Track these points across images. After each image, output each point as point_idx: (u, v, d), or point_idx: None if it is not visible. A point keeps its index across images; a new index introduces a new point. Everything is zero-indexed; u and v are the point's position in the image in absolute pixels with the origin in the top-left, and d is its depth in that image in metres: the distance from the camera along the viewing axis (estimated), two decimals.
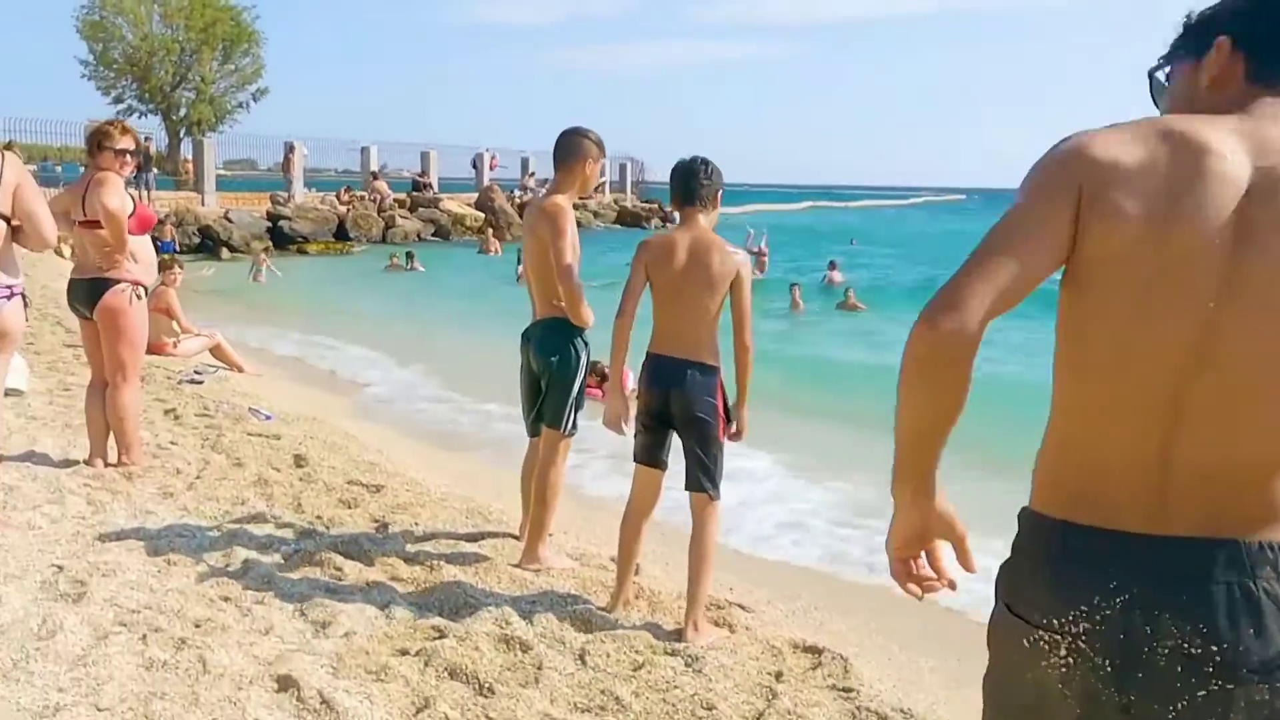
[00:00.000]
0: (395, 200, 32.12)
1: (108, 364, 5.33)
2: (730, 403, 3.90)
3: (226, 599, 3.83)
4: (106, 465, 5.44)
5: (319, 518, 4.87)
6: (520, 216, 34.82)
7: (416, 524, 4.85)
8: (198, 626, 3.53)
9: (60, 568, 3.96)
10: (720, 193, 3.99)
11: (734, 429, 3.93)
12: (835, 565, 5.49)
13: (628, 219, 42.15)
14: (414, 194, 33.74)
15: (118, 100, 33.10)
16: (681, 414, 3.85)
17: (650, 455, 3.99)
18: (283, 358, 10.82)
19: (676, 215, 4.00)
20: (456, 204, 34.14)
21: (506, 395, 8.84)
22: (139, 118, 34.64)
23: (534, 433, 4.53)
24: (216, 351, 9.28)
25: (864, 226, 48.48)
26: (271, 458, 5.87)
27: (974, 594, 2.16)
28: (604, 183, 42.92)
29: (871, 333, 15.09)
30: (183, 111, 33.90)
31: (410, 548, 4.52)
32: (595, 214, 39.35)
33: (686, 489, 3.91)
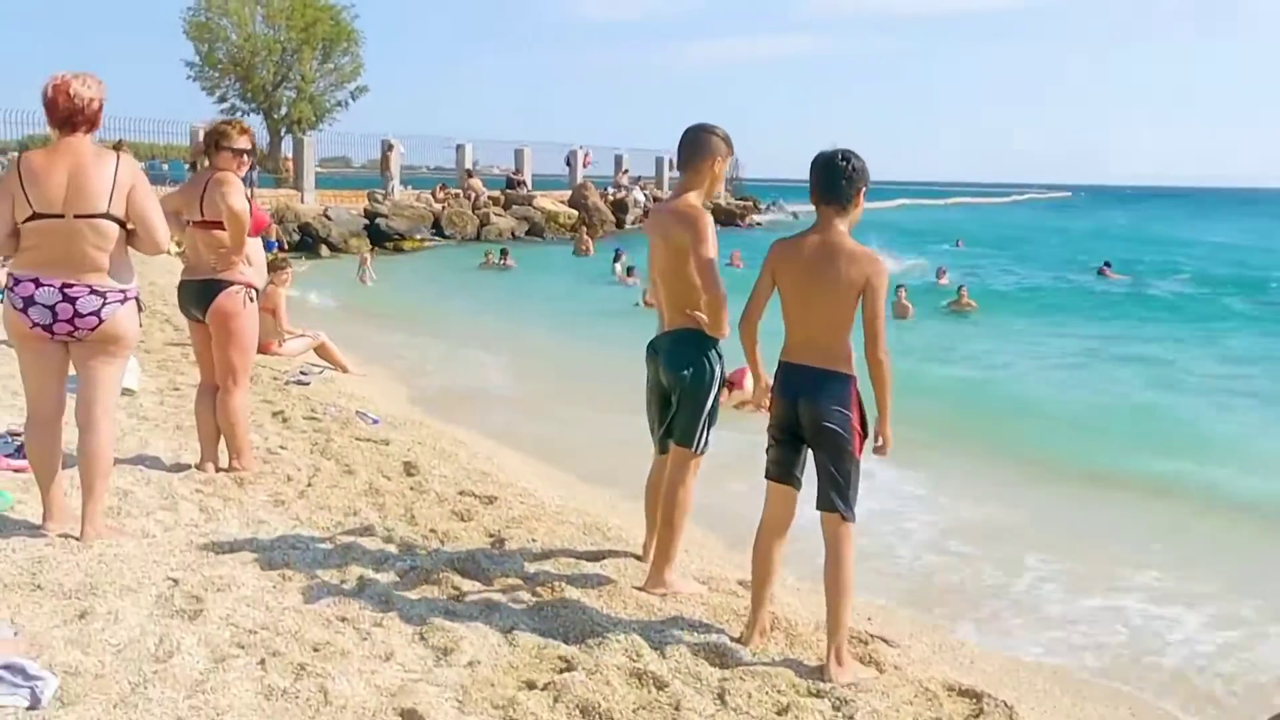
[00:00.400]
0: (490, 198, 32.33)
1: (218, 367, 5.27)
2: (869, 416, 3.63)
3: (344, 619, 3.68)
4: (218, 470, 5.38)
5: (433, 531, 4.71)
6: (613, 214, 35.06)
7: (533, 540, 4.66)
8: (316, 650, 3.38)
9: (175, 581, 3.87)
10: (864, 190, 3.69)
11: (879, 443, 3.64)
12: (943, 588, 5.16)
13: (722, 217, 41.78)
14: (508, 191, 33.93)
15: (221, 100, 34.16)
16: (811, 425, 3.58)
17: (782, 471, 3.73)
18: (386, 357, 10.80)
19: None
20: (550, 201, 34.24)
21: (610, 402, 8.76)
22: (241, 116, 35.56)
23: (662, 450, 4.29)
24: (321, 351, 9.29)
25: (967, 226, 47.18)
26: (381, 465, 5.76)
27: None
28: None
29: (983, 340, 14.53)
30: (283, 110, 34.72)
31: (529, 566, 4.33)
32: None
33: (818, 508, 3.64)
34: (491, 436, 7.25)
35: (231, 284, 5.13)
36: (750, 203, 45.77)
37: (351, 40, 35.58)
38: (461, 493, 5.33)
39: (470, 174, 33.07)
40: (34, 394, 4.28)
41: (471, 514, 4.99)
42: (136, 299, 4.26)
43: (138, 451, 5.66)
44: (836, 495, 3.58)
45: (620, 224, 35.04)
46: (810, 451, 3.67)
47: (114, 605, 3.57)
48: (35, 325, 4.09)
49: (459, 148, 35.16)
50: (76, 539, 4.20)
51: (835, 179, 3.62)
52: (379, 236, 26.93)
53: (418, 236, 28.11)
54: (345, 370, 9.21)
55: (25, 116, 28.24)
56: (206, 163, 5.27)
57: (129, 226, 4.16)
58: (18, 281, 4.09)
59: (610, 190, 37.12)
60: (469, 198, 31.59)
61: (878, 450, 3.64)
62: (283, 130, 34.77)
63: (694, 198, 4.11)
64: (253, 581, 3.94)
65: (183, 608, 3.63)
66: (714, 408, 4.13)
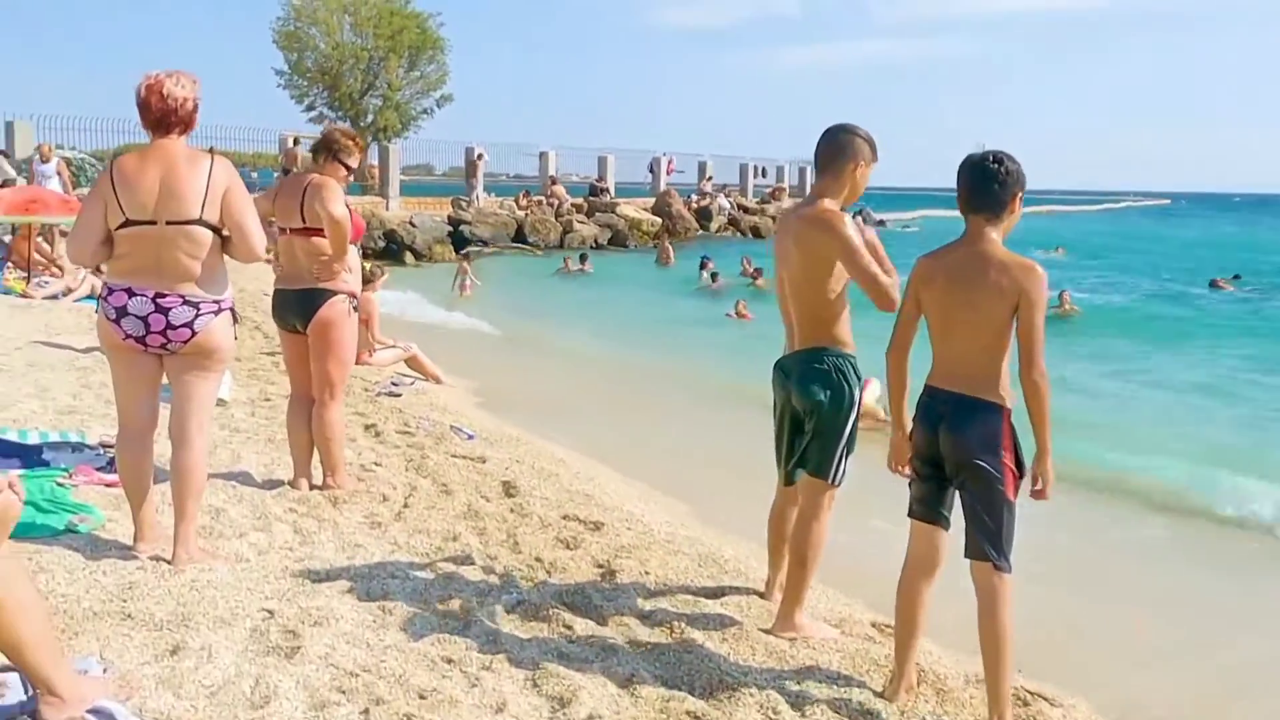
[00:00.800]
0: (572, 205, 32.29)
1: (316, 379, 5.06)
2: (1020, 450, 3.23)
3: (450, 661, 3.40)
4: (311, 487, 5.18)
5: (538, 560, 4.43)
6: (696, 221, 34.75)
7: (646, 572, 4.34)
8: (423, 698, 3.10)
9: (270, 613, 3.63)
10: (1019, 195, 3.31)
11: (1037, 485, 3.24)
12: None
13: None
14: (591, 199, 33.85)
15: (309, 108, 34.70)
16: (954, 459, 3.21)
17: (927, 509, 3.36)
18: (474, 368, 10.60)
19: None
20: (633, 209, 34.09)
21: (710, 420, 8.40)
22: (329, 124, 36.19)
23: (789, 480, 3.94)
24: (412, 363, 9.12)
25: (1063, 233, 45.80)
26: (480, 484, 5.51)
27: None
28: (780, 189, 42.19)
29: (1091, 356, 13.80)
30: (369, 118, 35.17)
31: (644, 603, 4.01)
32: (774, 218, 38.54)
33: (966, 556, 3.26)
34: (588, 453, 6.95)
35: (335, 293, 4.93)
36: (861, 210, 45.01)
37: (437, 48, 35.90)
38: (565, 517, 5.04)
39: (554, 181, 33.07)
40: (125, 406, 4.10)
41: (578, 541, 4.70)
42: (231, 310, 4.06)
43: (230, 466, 5.49)
44: (987, 542, 3.20)
45: (704, 231, 34.70)
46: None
47: (207, 640, 3.34)
48: (128, 337, 3.92)
49: (542, 155, 35.21)
50: (168, 562, 4.01)
51: (986, 184, 3.26)
52: (462, 243, 27.00)
53: (500, 244, 28.12)
54: (438, 381, 9.03)
55: (121, 125, 29.11)
56: (296, 168, 5.09)
57: (224, 233, 3.97)
58: (111, 291, 3.92)
59: (694, 198, 36.81)
60: (552, 205, 31.58)
61: (1036, 494, 3.25)
62: (368, 138, 35.20)
63: (830, 203, 3.76)
64: (351, 615, 3.68)
65: (279, 644, 3.39)
66: (853, 435, 3.76)
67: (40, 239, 13.64)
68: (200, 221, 3.87)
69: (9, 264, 12.75)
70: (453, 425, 6.74)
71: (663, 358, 11.72)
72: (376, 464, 5.76)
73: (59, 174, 17.57)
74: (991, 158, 3.27)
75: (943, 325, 3.28)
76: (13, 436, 5.77)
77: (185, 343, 3.92)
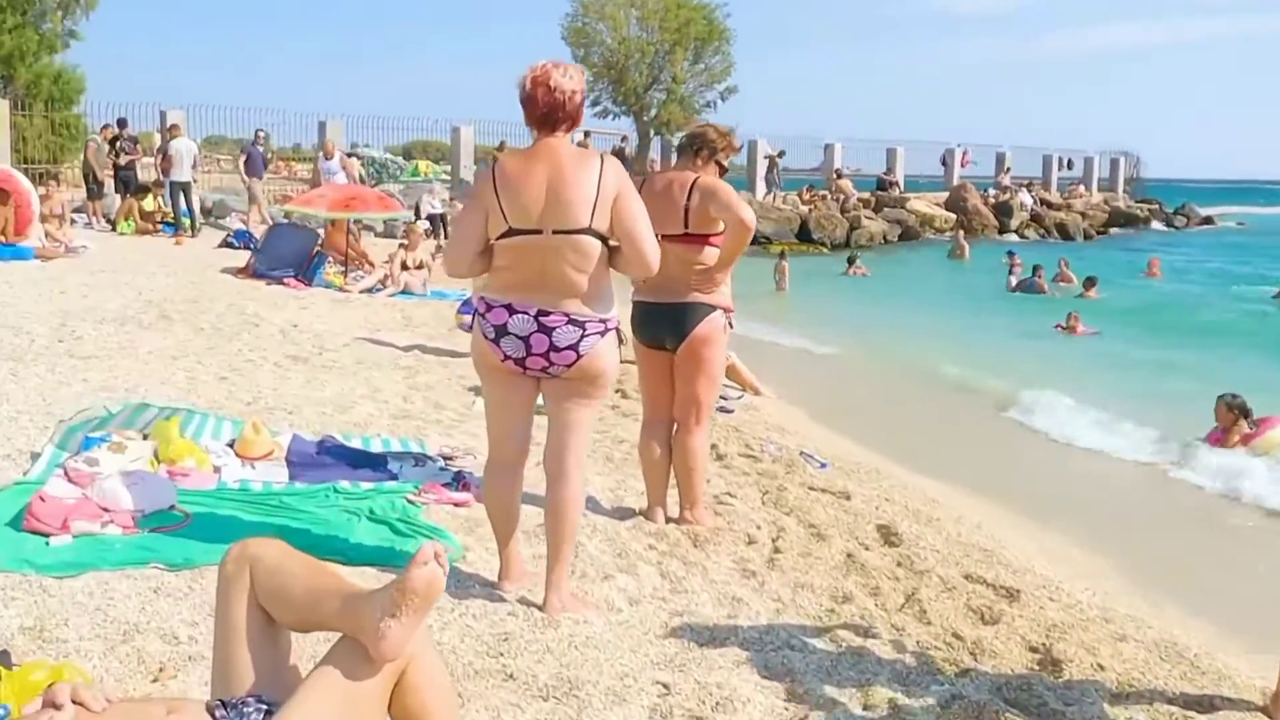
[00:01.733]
0: (859, 200, 31.19)
1: (682, 402, 4.60)
2: None
3: None
4: (667, 520, 4.74)
5: (956, 637, 3.73)
6: (995, 217, 32.67)
7: (1100, 666, 3.54)
8: None
9: (666, 687, 3.15)
10: None
11: None
12: None
13: (1120, 221, 38.03)
14: (879, 193, 32.62)
15: (594, 103, 35.24)
16: None
17: None
18: (788, 377, 9.99)
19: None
20: (924, 204, 32.60)
21: (1087, 452, 7.37)
22: (613, 119, 36.65)
23: None
24: (731, 372, 8.62)
25: None
26: (853, 527, 4.87)
27: None
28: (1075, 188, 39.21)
29: None
30: (653, 112, 35.45)
31: (1115, 712, 3.23)
32: (1083, 214, 35.80)
33: None
34: (960, 489, 6.16)
35: (713, 308, 4.46)
36: (1155, 205, 41.38)
37: (723, 39, 35.69)
38: (968, 578, 4.32)
39: (839, 175, 32.08)
40: (498, 433, 3.76)
41: (995, 614, 3.96)
42: (617, 330, 3.62)
43: None
44: None
45: (1003, 229, 32.62)
46: None
47: None
48: (506, 358, 3.56)
49: (827, 148, 34.26)
50: (538, 608, 3.64)
51: None
52: None
53: (784, 241, 27.47)
54: (758, 393, 8.50)
55: (412, 123, 30.73)
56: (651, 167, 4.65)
57: (611, 244, 3.53)
58: (490, 307, 3.57)
59: (992, 192, 34.73)
60: (837, 200, 30.62)
61: None
62: (651, 132, 35.54)
63: None
64: (759, 697, 3.13)
65: None
66: None
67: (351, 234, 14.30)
68: (589, 230, 3.45)
69: (329, 258, 13.41)
70: (802, 451, 6.14)
71: (998, 375, 10.60)
72: (729, 495, 5.24)
73: (344, 169, 18.52)
74: None
75: None
76: (357, 443, 5.70)
77: (569, 366, 3.52)
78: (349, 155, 21.88)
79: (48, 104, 22.77)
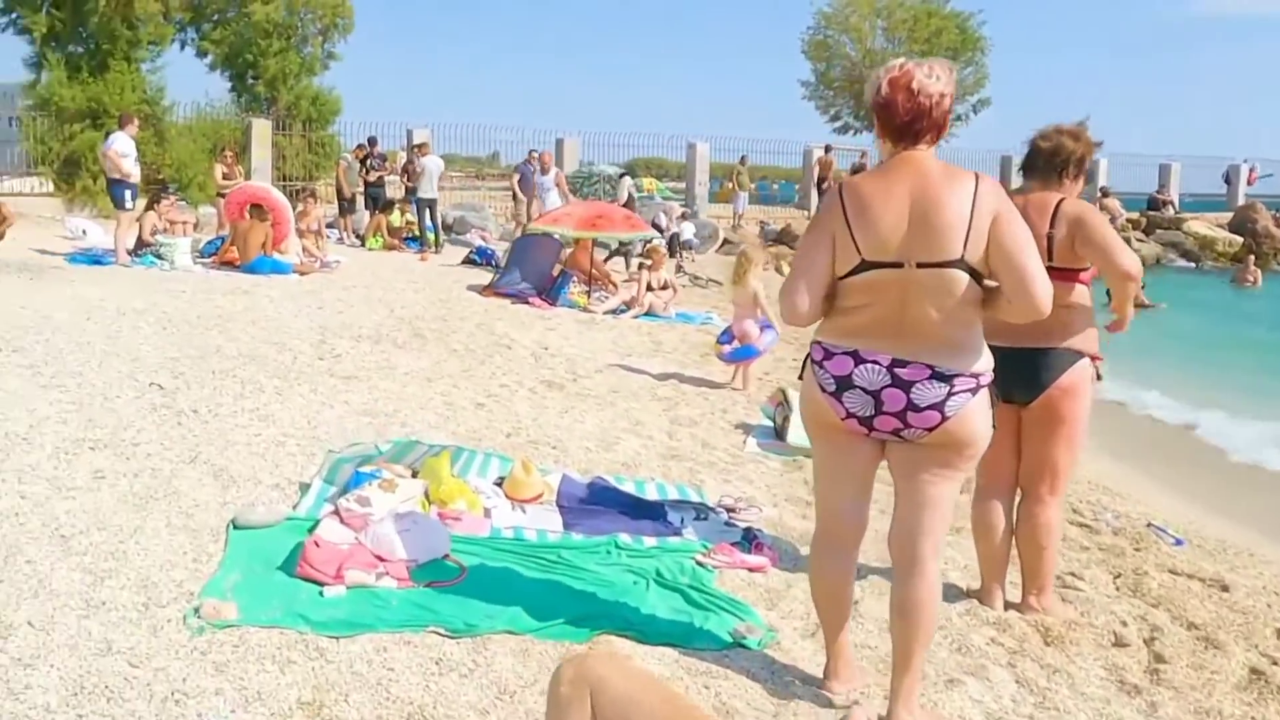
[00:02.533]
0: (1128, 220, 28.93)
1: (1035, 466, 3.89)
2: None
3: None
4: (1006, 606, 4.03)
5: None
6: None
7: None
8: None
9: None
10: None
11: None
12: None
13: None
14: (1150, 213, 30.23)
15: (834, 118, 34.52)
16: None
17: None
18: (1122, 425, 8.93)
19: None
20: (1204, 225, 29.92)
21: None
22: (854, 135, 35.73)
23: None
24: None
25: None
26: (1245, 630, 4.00)
27: None
28: None
29: None
30: None
31: None
32: None
33: None
34: None
35: (1080, 355, 3.74)
36: None
37: (978, 49, 34.14)
38: None
39: (1105, 193, 29.85)
40: (830, 503, 3.18)
41: None
42: (990, 387, 2.98)
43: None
44: None
45: None
46: None
47: None
48: (849, 415, 2.98)
49: (1092, 164, 32.06)
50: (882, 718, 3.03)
51: None
52: None
53: None
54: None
55: (637, 139, 30.50)
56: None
57: (985, 280, 2.90)
58: (828, 354, 3.00)
59: None
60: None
61: None
62: None
63: None
64: None
65: None
66: None
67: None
68: (961, 263, 2.84)
69: (574, 277, 13.29)
70: (1151, 523, 5.26)
71: None
72: (1073, 575, 4.46)
73: (558, 185, 18.48)
74: None
75: None
76: (630, 487, 5.28)
77: (930, 430, 2.91)
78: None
79: (306, 124, 24.15)
